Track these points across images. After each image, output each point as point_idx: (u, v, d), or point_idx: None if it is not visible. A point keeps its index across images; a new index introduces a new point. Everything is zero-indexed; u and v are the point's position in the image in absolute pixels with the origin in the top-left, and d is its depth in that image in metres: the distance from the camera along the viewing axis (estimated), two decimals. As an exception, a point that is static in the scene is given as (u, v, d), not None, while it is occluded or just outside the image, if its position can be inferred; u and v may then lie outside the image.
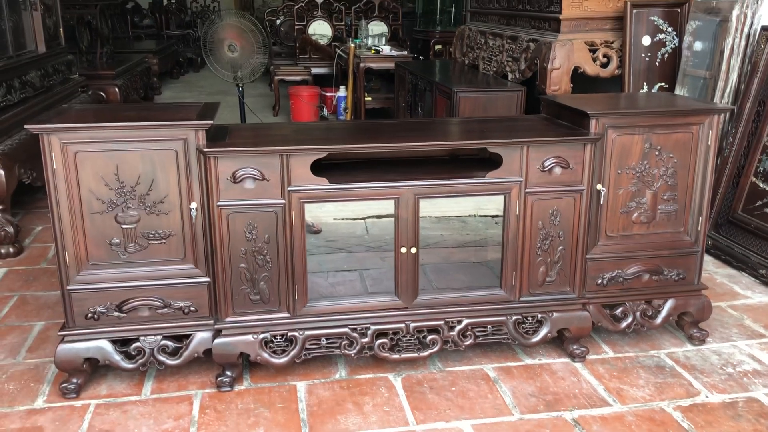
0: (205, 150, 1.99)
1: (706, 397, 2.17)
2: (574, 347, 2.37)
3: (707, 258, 3.25)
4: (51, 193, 1.99)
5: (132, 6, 11.77)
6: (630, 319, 2.41)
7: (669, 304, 2.43)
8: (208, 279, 2.13)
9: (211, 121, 2.01)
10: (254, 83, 9.47)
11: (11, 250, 3.25)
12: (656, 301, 2.43)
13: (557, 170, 2.19)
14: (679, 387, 2.23)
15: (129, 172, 2.01)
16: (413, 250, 2.20)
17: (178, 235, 2.09)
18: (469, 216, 2.81)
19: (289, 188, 2.07)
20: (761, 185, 3.07)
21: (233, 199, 2.06)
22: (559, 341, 2.42)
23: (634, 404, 2.13)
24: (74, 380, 2.14)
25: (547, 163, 2.18)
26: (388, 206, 2.20)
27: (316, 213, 2.59)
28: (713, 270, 3.14)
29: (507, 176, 2.18)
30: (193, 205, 2.06)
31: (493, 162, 2.22)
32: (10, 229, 3.24)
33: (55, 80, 4.33)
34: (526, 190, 2.20)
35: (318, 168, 2.13)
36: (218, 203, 2.05)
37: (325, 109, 6.82)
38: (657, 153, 2.28)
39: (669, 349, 2.46)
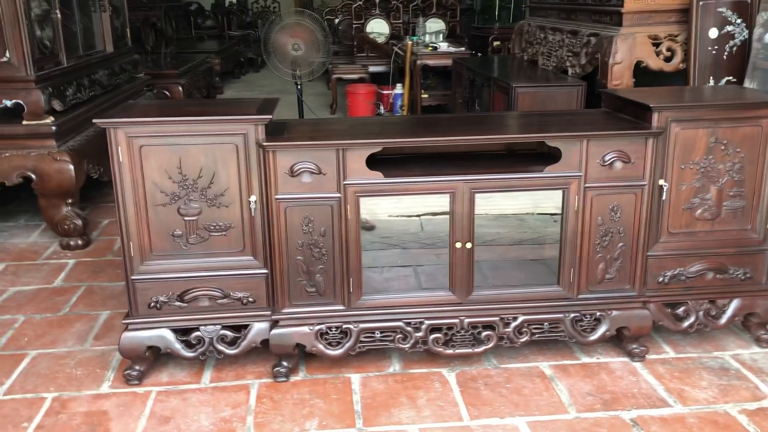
0: (264, 144, 2.03)
1: (774, 400, 2.10)
2: (634, 346, 2.32)
3: (776, 258, 3.12)
4: (117, 185, 2.06)
5: (195, 8, 12.06)
6: (692, 319, 2.34)
7: (734, 304, 2.35)
8: (266, 271, 2.17)
9: (270, 116, 2.04)
10: (312, 82, 9.57)
11: (80, 242, 3.38)
12: (721, 301, 2.35)
13: (618, 165, 2.15)
14: (744, 390, 2.15)
15: (191, 165, 2.07)
16: (468, 245, 2.19)
17: (238, 228, 2.14)
18: (527, 213, 2.78)
19: (344, 182, 2.09)
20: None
21: (291, 193, 2.09)
22: (618, 340, 2.37)
23: (695, 406, 2.07)
24: (137, 367, 2.21)
25: (607, 158, 2.14)
26: (443, 204, 2.20)
27: (372, 209, 2.61)
28: (783, 270, 3.01)
29: (566, 170, 2.14)
30: (253, 198, 2.10)
31: (551, 157, 2.19)
32: (79, 222, 3.36)
33: (121, 79, 4.47)
34: (586, 184, 2.16)
35: (373, 162, 2.14)
36: (276, 196, 2.09)
37: (381, 107, 6.84)
38: (723, 147, 2.20)
39: (734, 350, 2.38)
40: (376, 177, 2.11)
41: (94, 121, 2.04)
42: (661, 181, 2.20)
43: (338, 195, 2.10)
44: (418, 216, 2.46)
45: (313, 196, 2.10)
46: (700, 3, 3.45)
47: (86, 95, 3.74)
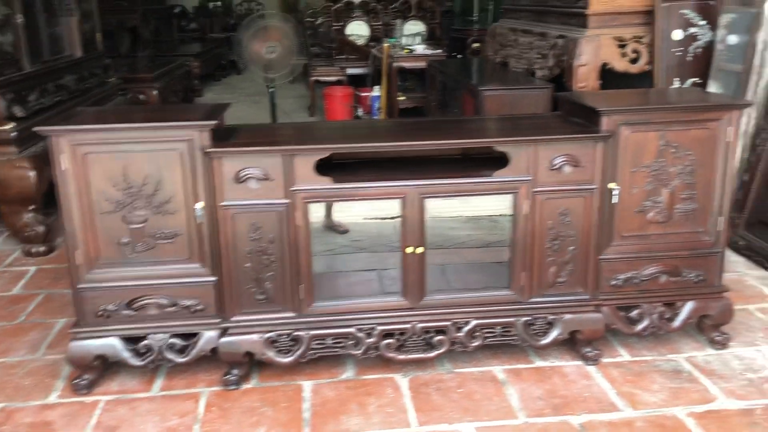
0: (209, 150, 2.01)
1: (723, 403, 2.09)
2: (587, 350, 2.31)
3: (739, 259, 3.13)
4: (61, 193, 2.04)
5: (179, 10, 12.02)
6: (646, 322, 2.33)
7: (688, 306, 2.35)
8: (214, 278, 2.15)
9: (214, 122, 2.03)
10: (293, 84, 9.57)
11: (42, 249, 3.35)
12: (675, 304, 2.35)
13: (567, 169, 2.14)
14: (695, 392, 2.15)
15: (136, 172, 2.05)
16: (420, 249, 2.18)
17: (185, 235, 2.12)
18: (485, 216, 2.78)
19: (292, 188, 2.08)
20: (795, 183, 2.94)
21: (237, 199, 2.07)
22: (573, 343, 2.37)
23: (645, 410, 2.07)
24: (86, 376, 2.19)
25: (556, 162, 2.13)
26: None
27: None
28: (744, 272, 3.02)
29: (515, 175, 2.14)
30: (199, 205, 2.08)
31: (506, 161, 2.18)
32: (41, 229, 3.34)
33: (91, 83, 4.44)
34: (535, 189, 2.15)
35: (328, 167, 2.13)
36: (222, 203, 2.07)
37: (360, 109, 6.83)
38: (673, 150, 2.20)
39: (689, 353, 2.38)
40: (325, 183, 2.10)
41: (34, 129, 2.02)
42: (612, 185, 2.19)
43: (286, 201, 2.09)
44: (393, 218, 2.44)
45: (260, 202, 2.08)
46: (663, 5, 3.46)
47: (51, 101, 3.71)
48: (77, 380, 2.19)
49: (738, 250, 3.17)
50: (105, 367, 2.27)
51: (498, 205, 2.39)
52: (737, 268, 3.05)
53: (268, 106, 5.56)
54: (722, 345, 2.38)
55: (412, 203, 2.13)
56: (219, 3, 13.11)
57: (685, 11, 3.51)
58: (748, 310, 2.67)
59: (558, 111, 2.53)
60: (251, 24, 5.18)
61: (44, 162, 3.37)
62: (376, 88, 6.66)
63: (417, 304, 2.23)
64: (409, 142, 2.17)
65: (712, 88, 3.44)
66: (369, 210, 2.68)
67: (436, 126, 2.55)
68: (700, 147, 2.21)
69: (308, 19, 9.31)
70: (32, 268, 3.23)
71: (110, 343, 2.17)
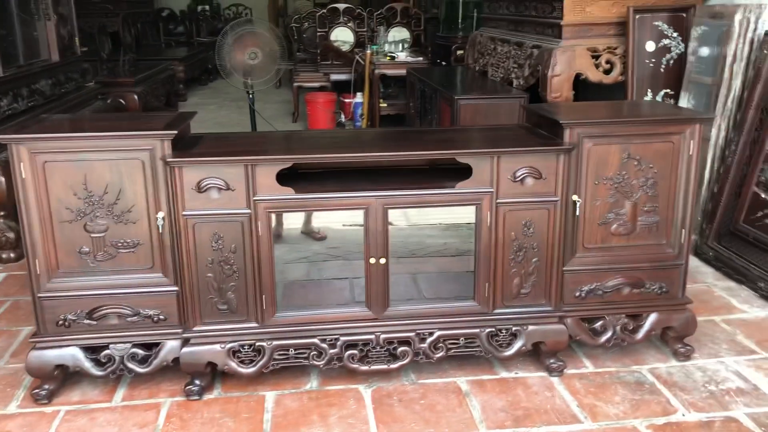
0: (169, 160, 2.01)
1: (683, 415, 2.10)
2: (551, 361, 2.32)
3: (707, 270, 3.15)
4: (20, 202, 2.02)
5: (167, 14, 12.00)
6: (610, 333, 2.34)
7: (651, 318, 2.36)
8: (176, 288, 2.15)
9: (175, 131, 2.02)
10: (279, 89, 9.58)
11: (12, 255, 3.33)
12: (639, 315, 2.36)
13: (529, 181, 2.15)
14: (656, 404, 2.16)
15: (97, 181, 2.04)
16: (382, 260, 2.18)
17: (147, 244, 2.11)
18: (450, 225, 2.78)
19: (254, 198, 2.07)
20: (763, 195, 2.97)
21: (199, 209, 2.06)
22: (537, 355, 2.37)
23: (605, 422, 2.07)
24: (46, 386, 2.18)
25: (518, 174, 2.14)
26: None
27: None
28: (712, 282, 3.04)
29: (477, 186, 2.14)
30: (160, 214, 2.07)
31: (470, 172, 2.19)
32: (11, 235, 3.31)
33: (67, 88, 4.43)
34: (498, 200, 2.16)
35: (291, 177, 2.13)
36: (184, 213, 2.06)
37: (342, 115, 6.84)
38: (636, 163, 2.22)
39: (652, 364, 2.39)
40: (287, 193, 2.09)
41: (-7, 137, 2.01)
42: (575, 197, 2.21)
43: (248, 211, 2.08)
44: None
45: (222, 212, 2.08)
46: (637, 17, 3.49)
47: (24, 105, 3.69)
48: (37, 390, 2.17)
49: (707, 261, 3.19)
50: (66, 377, 2.25)
51: (465, 212, 2.40)
52: (706, 279, 3.07)
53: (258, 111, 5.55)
54: (686, 357, 2.40)
55: (375, 214, 2.13)
56: (207, 7, 13.11)
57: (657, 23, 3.53)
58: (714, 321, 2.68)
59: (526, 122, 2.54)
60: (233, 30, 5.17)
61: (15, 168, 3.35)
62: (359, 94, 6.67)
63: (380, 315, 2.23)
64: (371, 153, 2.17)
65: (684, 99, 3.47)
66: (347, 216, 2.68)
67: (404, 137, 2.55)
68: (663, 160, 2.22)
69: (294, 25, 9.31)
70: (1, 275, 3.20)
71: (71, 353, 2.16)
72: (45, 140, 1.99)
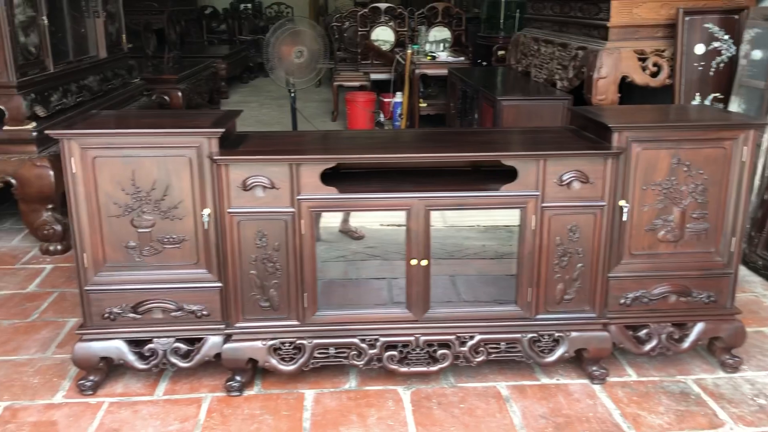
0: (216, 158, 2.02)
1: (731, 429, 2.05)
2: (593, 368, 2.28)
3: (756, 279, 3.07)
4: (70, 196, 2.06)
5: (210, 12, 12.15)
6: (654, 342, 2.29)
7: (698, 328, 2.30)
8: (220, 284, 2.17)
9: (222, 129, 2.04)
10: (320, 88, 9.62)
11: (59, 247, 3.40)
12: (684, 325, 2.31)
13: (576, 185, 2.11)
14: (702, 416, 2.11)
15: (145, 177, 2.07)
16: (424, 262, 2.17)
17: (192, 240, 2.13)
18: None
19: (298, 197, 2.08)
20: (816, 204, 2.88)
21: (244, 207, 2.08)
22: (579, 361, 2.34)
23: (649, 432, 2.03)
24: (91, 378, 2.22)
25: (565, 177, 2.11)
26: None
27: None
28: (762, 292, 2.96)
29: (522, 189, 2.12)
30: (206, 211, 2.09)
31: (515, 175, 2.16)
32: (59, 228, 3.38)
33: (114, 84, 4.50)
34: (543, 204, 2.13)
35: (334, 177, 2.13)
36: (229, 210, 2.08)
37: (381, 115, 6.83)
38: (686, 169, 2.17)
39: (698, 375, 2.33)
40: (330, 192, 2.10)
41: (46, 132, 2.05)
42: (622, 202, 2.16)
43: (292, 210, 2.09)
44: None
45: (266, 210, 2.09)
46: (687, 18, 3.41)
47: (73, 101, 3.77)
48: (82, 381, 2.21)
49: (756, 270, 3.11)
50: (110, 369, 2.29)
51: (515, 215, 2.37)
52: (755, 289, 2.99)
53: (299, 109, 5.57)
54: (733, 368, 2.34)
55: (417, 215, 2.12)
56: (249, 5, 13.23)
57: (708, 25, 3.45)
58: (763, 332, 2.61)
59: (570, 124, 2.50)
60: (280, 27, 5.19)
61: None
62: (399, 94, 6.66)
63: (421, 317, 2.22)
64: (414, 154, 2.16)
65: (734, 104, 3.38)
66: (385, 216, 2.67)
67: (445, 137, 2.53)
68: (714, 166, 2.17)
69: (335, 24, 9.35)
70: (48, 267, 3.27)
71: (115, 346, 2.20)
72: (96, 136, 2.02)
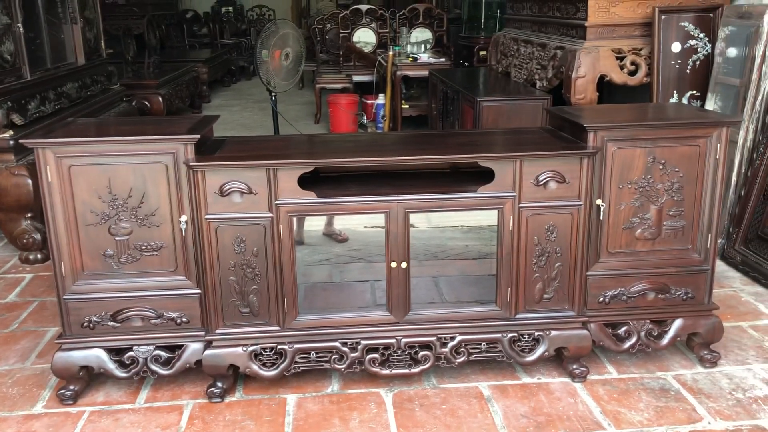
0: (192, 164, 2.02)
1: (709, 423, 2.07)
2: (574, 367, 2.29)
3: (735, 275, 3.10)
4: (47, 205, 2.05)
5: (191, 15, 12.10)
6: (634, 339, 2.31)
7: (676, 324, 2.33)
8: (199, 291, 2.16)
9: (197, 135, 2.03)
10: (303, 90, 9.62)
11: (39, 256, 3.38)
12: (663, 321, 2.33)
13: (552, 185, 2.13)
14: (681, 412, 2.13)
15: (121, 185, 2.06)
16: (404, 264, 2.17)
17: (170, 247, 2.13)
18: (474, 227, 2.76)
19: (276, 202, 2.08)
20: (792, 199, 2.91)
21: (221, 213, 2.08)
22: (561, 360, 2.35)
23: (629, 429, 2.05)
24: (71, 387, 2.20)
25: (541, 178, 2.12)
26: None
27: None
28: (740, 287, 2.99)
29: (499, 191, 2.13)
30: (183, 218, 2.09)
31: (493, 176, 2.17)
32: (38, 237, 3.36)
33: (93, 91, 4.48)
34: (520, 204, 2.14)
35: (312, 181, 2.13)
36: (206, 216, 2.07)
37: (364, 117, 6.84)
38: (661, 167, 2.19)
39: (677, 371, 2.35)
40: (309, 197, 2.10)
41: (21, 141, 2.04)
42: (599, 201, 2.18)
43: (270, 215, 2.09)
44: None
45: (244, 216, 2.09)
46: (663, 17, 3.44)
47: (51, 108, 3.74)
48: (63, 390, 2.20)
49: (734, 266, 3.14)
50: (91, 377, 2.28)
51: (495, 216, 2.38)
52: (733, 284, 3.02)
53: (282, 113, 5.55)
54: (712, 363, 2.36)
55: (396, 218, 2.13)
56: (230, 8, 13.19)
57: (684, 24, 3.49)
58: (741, 327, 2.64)
59: (549, 125, 2.52)
60: (266, 31, 5.17)
61: (42, 170, 3.39)
62: (381, 96, 6.67)
63: (402, 319, 2.22)
64: (393, 157, 2.16)
65: (711, 101, 3.42)
66: (370, 218, 2.68)
67: (424, 140, 2.54)
68: (689, 163, 2.19)
69: (317, 26, 9.34)
70: (28, 276, 3.25)
71: (95, 354, 2.18)
72: (70, 144, 2.01)
